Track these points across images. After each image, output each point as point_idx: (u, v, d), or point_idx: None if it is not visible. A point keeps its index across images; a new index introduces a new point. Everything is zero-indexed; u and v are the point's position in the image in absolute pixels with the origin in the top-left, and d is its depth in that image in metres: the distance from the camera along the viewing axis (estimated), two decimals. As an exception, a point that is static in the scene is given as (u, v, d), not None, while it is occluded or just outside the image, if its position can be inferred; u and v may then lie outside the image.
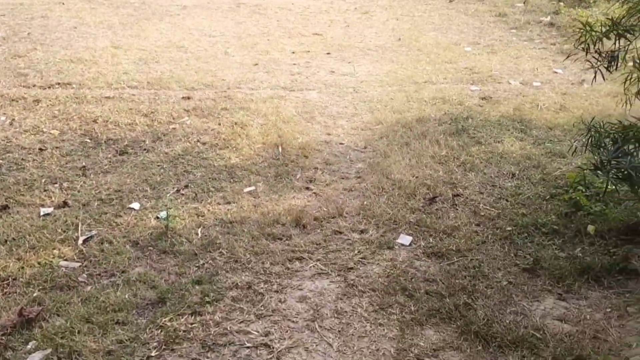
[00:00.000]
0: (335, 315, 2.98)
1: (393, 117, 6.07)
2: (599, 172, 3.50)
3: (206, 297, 3.09)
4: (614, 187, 3.83)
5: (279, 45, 8.96)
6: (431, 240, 3.78)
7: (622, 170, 3.34)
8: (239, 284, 3.22)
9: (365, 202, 4.27)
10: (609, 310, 3.00)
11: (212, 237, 3.71)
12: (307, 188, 4.53)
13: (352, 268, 3.42)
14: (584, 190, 4.14)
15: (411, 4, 12.36)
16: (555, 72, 7.75)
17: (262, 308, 3.02)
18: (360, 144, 5.46)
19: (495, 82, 7.36)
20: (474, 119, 5.90)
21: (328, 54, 8.63)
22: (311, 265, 3.44)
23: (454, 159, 4.98)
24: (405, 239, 3.78)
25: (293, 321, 2.93)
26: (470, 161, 4.91)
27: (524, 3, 11.85)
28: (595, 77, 3.76)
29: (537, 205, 4.16)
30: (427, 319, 2.95)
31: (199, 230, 3.84)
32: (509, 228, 3.87)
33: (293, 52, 8.61)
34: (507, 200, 4.27)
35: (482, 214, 4.08)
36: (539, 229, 3.84)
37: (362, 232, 3.87)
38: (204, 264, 3.44)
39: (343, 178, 4.76)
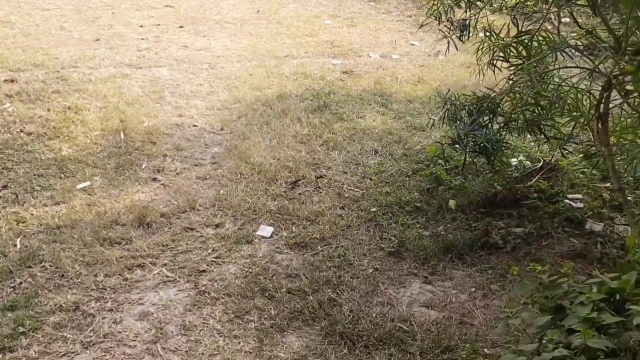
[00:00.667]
0: (183, 332, 2.56)
1: (252, 95, 5.66)
2: (456, 146, 3.40)
3: (20, 327, 2.51)
4: (471, 160, 3.78)
5: (125, 19, 8.09)
6: (294, 229, 3.47)
7: (479, 143, 3.25)
8: (64, 305, 2.67)
9: (221, 192, 3.86)
10: (473, 290, 2.91)
11: (33, 248, 3.09)
12: (154, 179, 4.01)
13: (204, 271, 3.01)
14: (443, 164, 4.07)
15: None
16: (413, 44, 7.79)
17: (92, 334, 2.52)
18: (217, 125, 5.00)
19: (356, 55, 7.22)
20: (336, 94, 5.68)
21: (181, 27, 7.95)
22: (155, 272, 2.97)
23: (316, 138, 4.71)
24: (265, 231, 3.44)
25: (130, 346, 2.46)
26: (333, 139, 4.66)
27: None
28: (448, 47, 3.65)
29: (401, 182, 4.02)
30: (289, 322, 2.64)
31: (18, 240, 3.19)
32: (373, 209, 3.68)
33: (141, 26, 7.82)
34: (370, 179, 4.08)
35: (347, 195, 3.85)
36: (403, 207, 3.69)
37: (217, 226, 3.46)
38: (20, 283, 2.83)
39: (196, 165, 4.29)
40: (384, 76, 6.36)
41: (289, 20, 8.61)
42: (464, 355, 2.29)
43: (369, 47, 7.53)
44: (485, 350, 2.37)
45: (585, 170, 3.93)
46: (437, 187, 3.88)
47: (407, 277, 3.03)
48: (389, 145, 4.60)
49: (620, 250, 3.08)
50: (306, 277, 2.99)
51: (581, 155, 3.56)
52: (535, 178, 3.78)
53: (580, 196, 3.63)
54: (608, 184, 3.79)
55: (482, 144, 3.22)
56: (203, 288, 2.87)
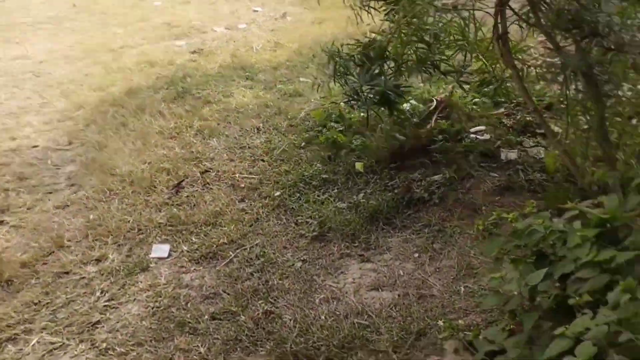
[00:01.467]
0: (94, 413, 1.95)
1: (95, 97, 4.84)
2: (354, 102, 3.04)
3: None
4: (373, 113, 3.45)
5: None
6: (194, 239, 2.91)
7: (380, 93, 2.92)
8: None
9: (91, 217, 3.15)
10: (417, 255, 2.60)
11: None
12: (0, 222, 3.18)
13: (98, 322, 2.37)
14: (336, 126, 3.71)
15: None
16: (256, 11, 7.31)
17: None
18: (62, 139, 4.17)
19: (199, 32, 6.57)
20: (193, 77, 5.05)
21: None
22: (34, 342, 2.27)
23: (187, 129, 4.09)
24: (160, 250, 2.84)
25: None
26: (206, 126, 4.09)
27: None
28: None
29: (297, 156, 3.59)
30: (226, 356, 2.13)
31: None
32: (277, 193, 3.22)
33: None
34: (263, 161, 3.60)
35: (242, 185, 3.35)
36: (309, 183, 3.28)
37: (98, 261, 2.79)
38: None
39: (50, 192, 3.50)
40: (238, 48, 5.83)
41: (113, 9, 7.66)
42: (445, 335, 1.97)
43: (211, 22, 6.91)
44: (460, 321, 2.07)
45: (477, 100, 3.80)
46: (337, 153, 3.52)
47: (341, 260, 2.64)
48: (270, 119, 4.14)
49: (542, 173, 2.96)
50: (228, 294, 2.47)
51: (477, 85, 3.39)
52: (434, 119, 3.57)
53: (483, 127, 3.48)
54: (502, 110, 3.70)
55: (383, 94, 2.88)
56: (104, 345, 2.23)
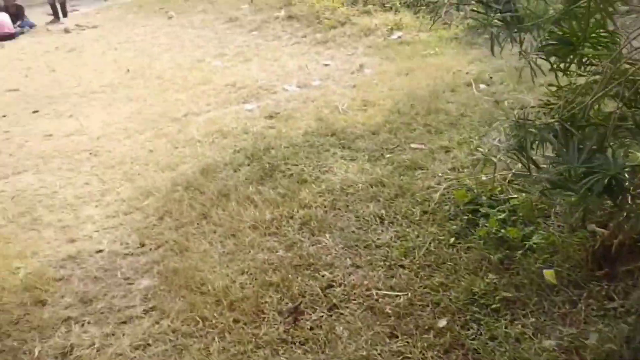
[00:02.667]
0: None
1: (165, 179, 4.06)
2: (564, 190, 2.10)
3: None
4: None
5: (-44, 119, 6.08)
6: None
7: (607, 177, 1.97)
8: None
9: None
10: None
11: None
12: (61, 378, 2.32)
13: None
14: (495, 213, 2.78)
15: (126, 30, 10.23)
16: (327, 65, 6.56)
17: None
18: (132, 240, 3.36)
19: (269, 93, 5.82)
20: (277, 149, 4.23)
21: (35, 112, 6.10)
22: None
23: (286, 220, 3.23)
24: None
25: None
26: (311, 216, 3.21)
27: (250, 2, 10.66)
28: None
29: (450, 261, 2.66)
30: None
31: None
32: (442, 323, 2.28)
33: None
34: (403, 267, 2.68)
35: (387, 310, 2.41)
36: (484, 305, 2.33)
37: None
38: None
39: (124, 322, 2.65)
40: (320, 109, 5.02)
41: (170, 72, 7.04)
42: None
43: (279, 80, 6.18)
44: None
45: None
46: (510, 254, 2.57)
47: None
48: (393, 203, 3.23)
49: None
50: None
51: None
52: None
53: None
54: None
55: (611, 179, 1.95)
56: None
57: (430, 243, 2.80)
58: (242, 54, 7.54)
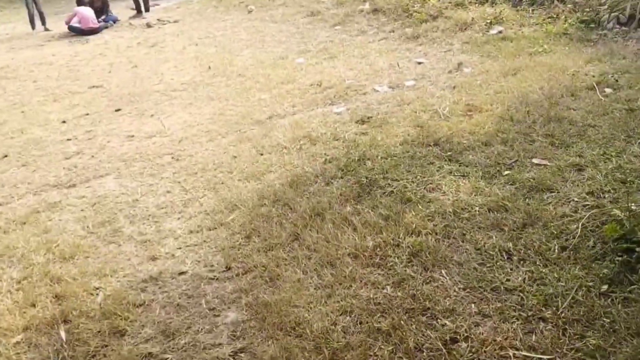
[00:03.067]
0: None
1: (251, 190, 3.72)
2: None
3: None
4: None
5: (41, 116, 6.05)
6: None
7: None
8: None
9: None
10: None
11: None
12: None
13: None
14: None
15: (206, 25, 10.09)
16: (420, 63, 6.03)
17: None
18: (217, 261, 3.03)
19: (359, 94, 5.38)
20: (373, 160, 3.79)
21: (118, 110, 5.96)
22: None
23: (392, 249, 2.78)
24: None
25: None
26: (422, 245, 2.75)
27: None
28: None
29: (606, 315, 2.13)
30: None
31: None
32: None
33: (64, 122, 5.79)
34: (544, 320, 2.18)
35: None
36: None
37: None
38: None
39: (211, 367, 2.30)
40: (418, 114, 4.53)
41: (252, 70, 6.75)
42: None
43: (369, 80, 5.72)
44: None
45: None
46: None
47: None
48: (522, 234, 2.72)
49: None
50: None
51: None
52: None
53: None
54: None
55: None
56: None
57: (576, 290, 2.27)
58: (326, 50, 7.14)
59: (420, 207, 3.11)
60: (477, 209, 2.99)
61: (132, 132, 5.26)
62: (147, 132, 5.21)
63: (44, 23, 11.38)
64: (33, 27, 11.24)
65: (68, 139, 5.27)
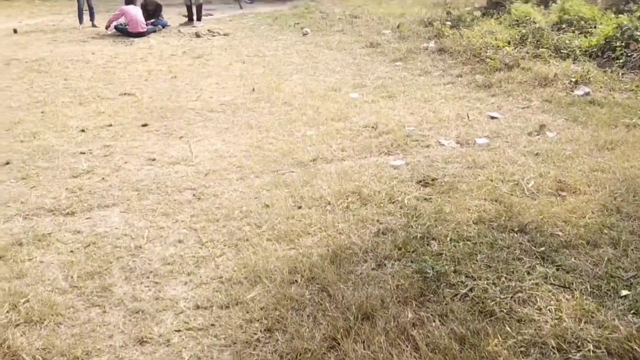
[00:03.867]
0: None
1: (281, 257, 2.94)
2: None
3: None
4: None
5: (60, 120, 5.42)
6: None
7: None
8: None
9: None
10: None
11: None
12: None
13: None
14: None
15: (257, 42, 9.48)
16: (493, 118, 5.20)
17: None
18: (224, 361, 2.23)
19: (420, 145, 4.58)
20: (440, 241, 2.97)
21: (144, 125, 5.29)
22: None
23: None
24: None
25: None
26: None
27: (398, 27, 9.55)
28: None
29: None
30: None
31: None
32: None
33: (83, 131, 5.14)
34: None
35: None
36: None
37: None
38: None
39: None
40: (494, 183, 3.70)
41: (299, 99, 6.02)
42: None
43: (432, 129, 4.92)
44: None
45: None
46: None
47: None
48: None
49: None
50: None
51: None
52: None
53: None
54: None
55: None
56: None
57: None
58: (384, 87, 6.38)
59: (507, 328, 2.26)
60: (590, 346, 2.13)
61: (154, 154, 4.56)
62: (171, 156, 4.51)
63: (92, 19, 10.98)
64: (80, 21, 10.86)
65: (82, 152, 4.60)
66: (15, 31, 10.40)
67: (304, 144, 4.68)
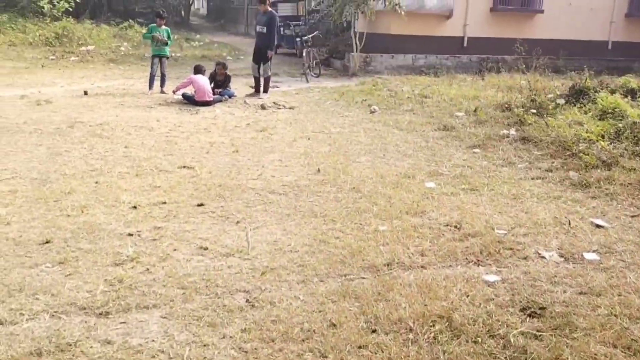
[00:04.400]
0: None
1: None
2: None
3: None
4: None
5: (112, 193, 5.04)
6: None
7: None
8: None
9: None
10: None
11: None
12: None
13: None
14: None
15: (322, 117, 9.13)
16: (600, 226, 4.44)
17: None
18: None
19: (516, 255, 3.87)
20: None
21: (200, 205, 4.83)
22: None
23: None
24: None
25: None
26: None
27: (475, 111, 9.00)
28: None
29: None
30: None
31: None
32: None
33: (134, 207, 4.71)
34: None
35: None
36: None
37: None
38: None
39: None
40: (622, 321, 2.92)
41: (369, 184, 5.46)
42: None
43: (528, 235, 4.21)
44: None
45: None
46: None
47: None
48: None
49: None
50: None
51: None
52: None
53: None
54: None
55: None
56: None
57: None
58: (464, 177, 5.75)
59: None
60: None
61: (207, 241, 4.05)
62: (225, 246, 3.97)
63: (162, 85, 11.01)
64: (150, 87, 10.90)
65: (129, 234, 4.14)
66: (85, 93, 10.51)
67: (375, 242, 4.06)
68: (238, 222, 4.47)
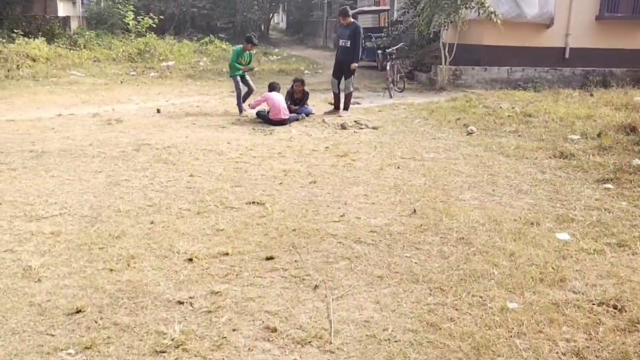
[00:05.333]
0: None
1: None
2: None
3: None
4: None
5: (167, 237, 4.19)
6: None
7: None
8: None
9: None
10: None
11: None
12: None
13: None
14: None
15: (411, 140, 8.01)
16: None
17: None
18: None
19: None
20: None
21: (269, 259, 3.86)
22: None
23: None
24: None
25: None
26: None
27: (599, 136, 7.55)
28: None
29: None
30: None
31: None
32: None
33: (190, 260, 3.82)
34: None
35: None
36: None
37: None
38: None
39: None
40: None
41: (481, 234, 4.30)
42: None
43: None
44: None
45: None
46: None
47: None
48: None
49: None
50: None
51: None
52: None
53: None
54: None
55: None
56: None
57: None
58: (604, 226, 4.46)
59: None
60: None
61: (276, 317, 3.07)
62: (299, 327, 2.97)
63: (246, 98, 10.16)
64: (240, 111, 9.94)
65: (179, 301, 3.24)
66: (158, 111, 9.99)
67: (507, 331, 2.91)
68: (316, 286, 3.47)
